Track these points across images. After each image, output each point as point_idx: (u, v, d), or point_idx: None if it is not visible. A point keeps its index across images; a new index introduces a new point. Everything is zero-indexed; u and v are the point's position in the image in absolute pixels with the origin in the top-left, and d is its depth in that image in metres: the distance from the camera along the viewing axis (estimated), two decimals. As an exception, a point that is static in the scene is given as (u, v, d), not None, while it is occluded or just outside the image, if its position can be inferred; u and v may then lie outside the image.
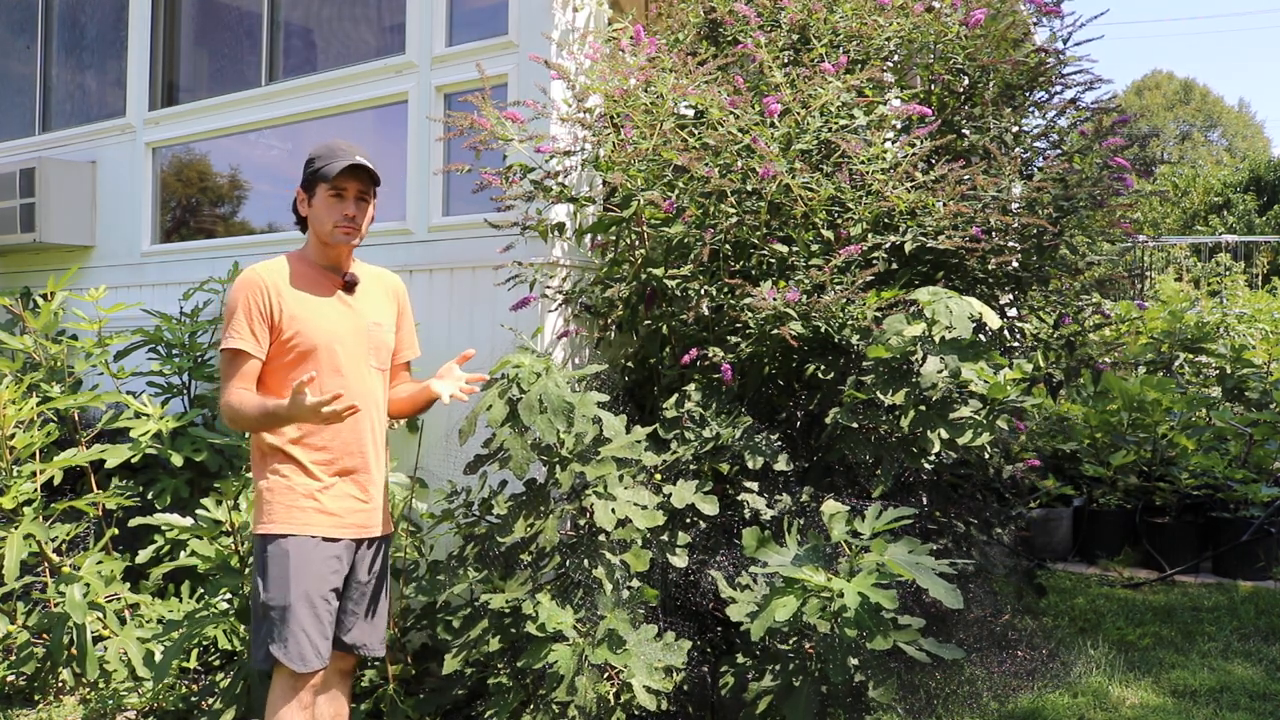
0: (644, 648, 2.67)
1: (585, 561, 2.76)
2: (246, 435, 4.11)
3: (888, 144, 3.30)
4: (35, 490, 3.58)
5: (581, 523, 2.88)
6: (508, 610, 2.79)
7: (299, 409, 2.34)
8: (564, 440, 2.82)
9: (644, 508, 2.79)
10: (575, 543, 2.83)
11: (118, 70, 5.57)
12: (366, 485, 2.62)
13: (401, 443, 3.74)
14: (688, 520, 3.07)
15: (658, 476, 3.05)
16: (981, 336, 3.32)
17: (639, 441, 2.86)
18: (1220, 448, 5.74)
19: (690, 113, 3.55)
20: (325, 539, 2.52)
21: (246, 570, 3.22)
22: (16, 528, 3.43)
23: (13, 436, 3.58)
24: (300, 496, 2.51)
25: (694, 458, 3.11)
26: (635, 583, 2.82)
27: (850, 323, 3.10)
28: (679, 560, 2.92)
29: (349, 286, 2.64)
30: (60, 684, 3.62)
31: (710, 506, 2.91)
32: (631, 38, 3.51)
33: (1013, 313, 3.87)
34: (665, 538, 2.95)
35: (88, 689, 3.62)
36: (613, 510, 2.71)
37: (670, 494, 2.92)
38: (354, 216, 2.58)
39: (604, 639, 2.64)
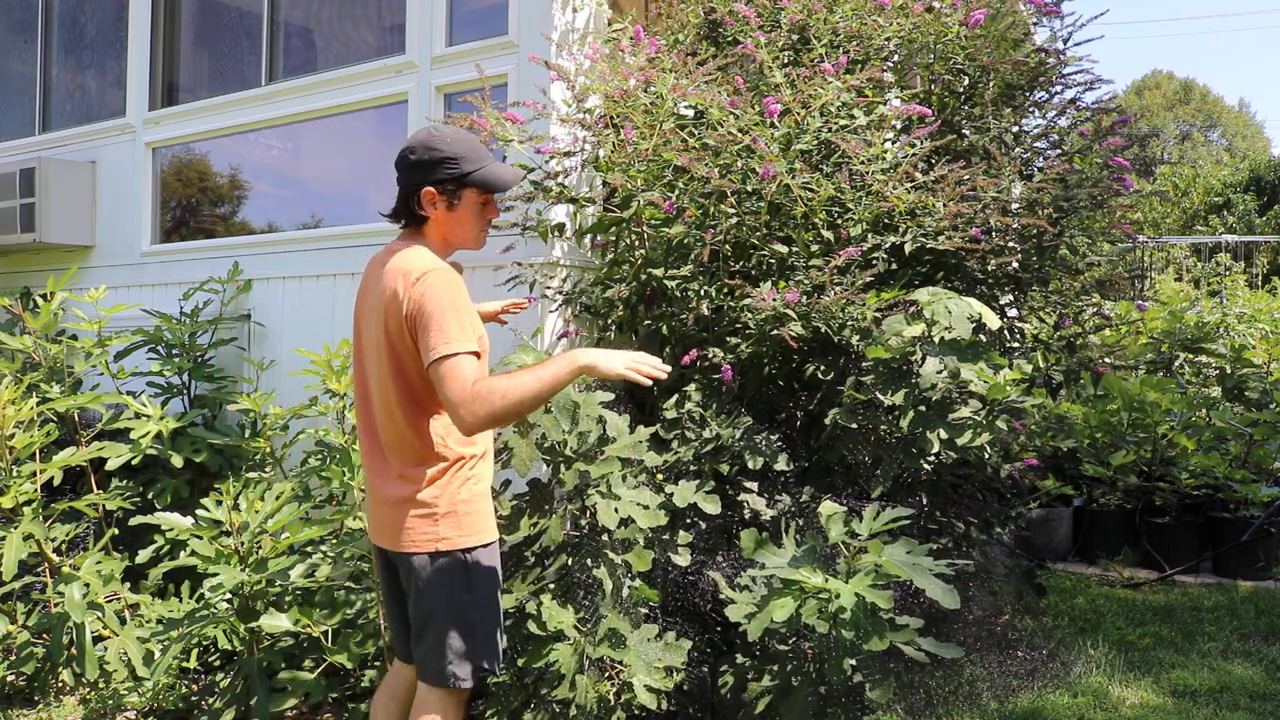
0: (644, 647, 2.67)
1: (588, 560, 2.76)
2: (247, 436, 4.11)
3: (888, 144, 3.30)
4: (35, 490, 3.58)
5: (583, 522, 2.89)
6: (512, 610, 2.79)
7: (605, 360, 2.16)
8: (568, 440, 2.82)
9: (646, 507, 2.79)
10: (578, 542, 2.83)
11: (118, 70, 5.57)
12: None
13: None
14: (689, 520, 3.07)
15: (659, 477, 3.06)
16: (981, 337, 3.32)
17: (642, 442, 2.86)
18: (1220, 448, 5.73)
19: (690, 113, 3.55)
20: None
21: (253, 572, 3.21)
22: (16, 527, 3.43)
23: (12, 436, 3.58)
24: (488, 500, 2.42)
25: (695, 458, 3.11)
26: (637, 582, 2.83)
27: (850, 323, 3.10)
28: (681, 559, 2.92)
29: None
30: (60, 684, 3.62)
31: (712, 506, 2.91)
32: (631, 38, 3.51)
33: (1013, 313, 3.87)
34: (667, 537, 2.95)
35: (88, 689, 3.62)
36: (615, 509, 2.71)
37: (672, 493, 2.92)
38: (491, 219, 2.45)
39: (605, 638, 2.64)
